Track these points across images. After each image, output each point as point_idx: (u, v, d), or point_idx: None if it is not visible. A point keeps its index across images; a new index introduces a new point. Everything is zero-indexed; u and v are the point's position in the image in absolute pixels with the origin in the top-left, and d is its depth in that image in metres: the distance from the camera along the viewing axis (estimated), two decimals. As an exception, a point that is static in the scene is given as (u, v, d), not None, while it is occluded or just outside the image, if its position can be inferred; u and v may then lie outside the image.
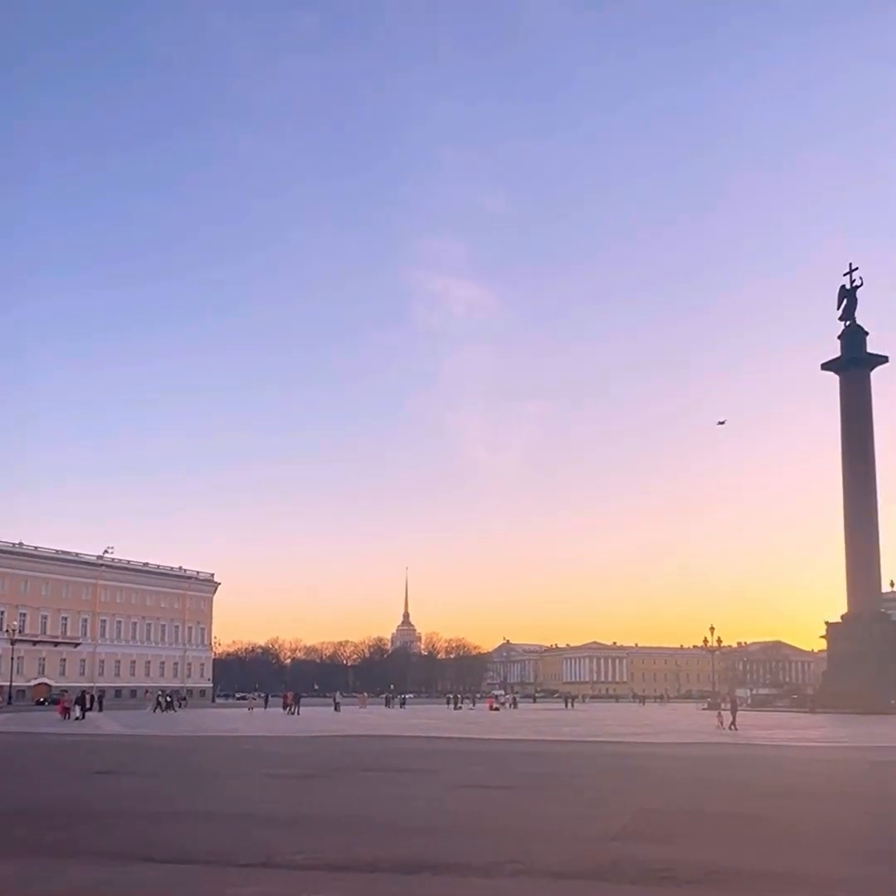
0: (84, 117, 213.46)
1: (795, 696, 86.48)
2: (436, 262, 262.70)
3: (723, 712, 44.96)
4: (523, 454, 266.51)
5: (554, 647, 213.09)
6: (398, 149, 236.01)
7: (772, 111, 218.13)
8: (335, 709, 68.96)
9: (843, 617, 78.86)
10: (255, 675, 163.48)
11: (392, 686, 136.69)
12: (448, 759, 24.38)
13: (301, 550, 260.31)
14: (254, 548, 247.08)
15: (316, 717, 55.86)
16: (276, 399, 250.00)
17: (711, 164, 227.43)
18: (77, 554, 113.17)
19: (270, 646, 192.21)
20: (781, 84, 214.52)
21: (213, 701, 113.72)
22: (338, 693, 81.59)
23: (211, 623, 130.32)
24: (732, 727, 40.49)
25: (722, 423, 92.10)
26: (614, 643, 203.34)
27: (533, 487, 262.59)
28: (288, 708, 65.02)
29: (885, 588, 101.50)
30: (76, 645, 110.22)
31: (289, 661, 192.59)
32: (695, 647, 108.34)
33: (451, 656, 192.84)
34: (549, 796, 16.20)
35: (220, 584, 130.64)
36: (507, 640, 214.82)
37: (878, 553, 78.68)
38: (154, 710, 64.91)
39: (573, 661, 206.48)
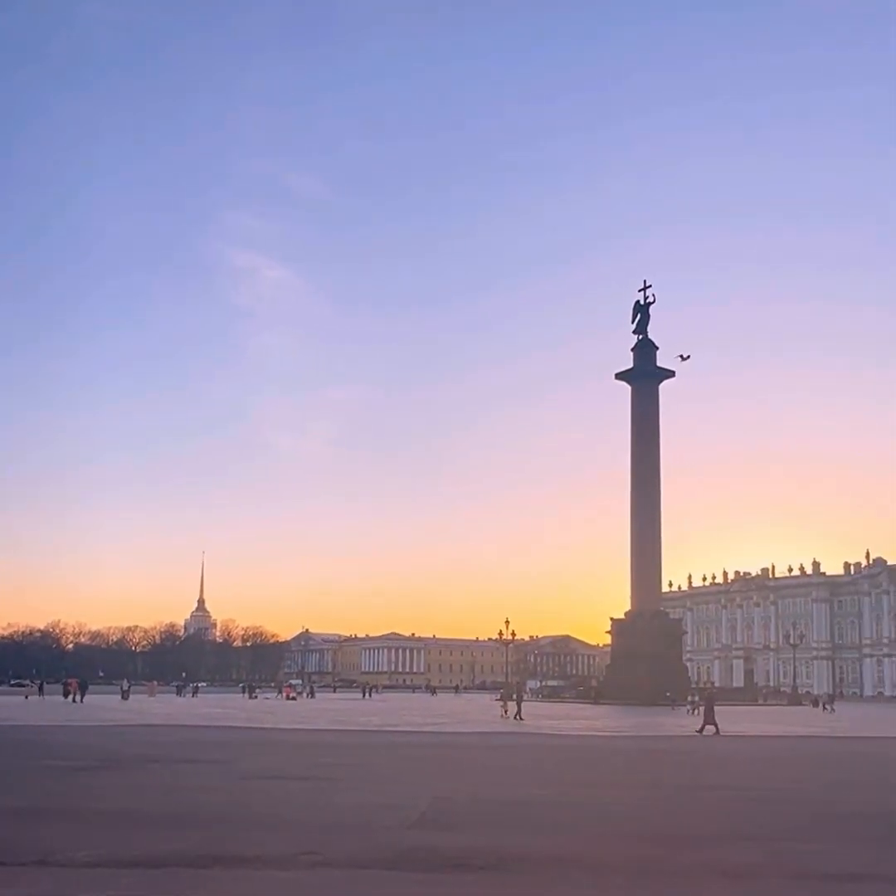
0: None
1: (581, 688, 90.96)
2: (245, 240, 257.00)
3: (508, 703, 46.36)
4: (327, 441, 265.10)
5: (353, 636, 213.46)
6: (209, 119, 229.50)
7: (574, 131, 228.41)
8: (123, 697, 65.84)
9: (626, 614, 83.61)
10: (33, 660, 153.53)
11: (184, 674, 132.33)
12: (241, 750, 23.81)
13: (87, 530, 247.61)
14: (33, 525, 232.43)
15: (101, 706, 53.12)
16: (72, 371, 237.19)
17: (524, 177, 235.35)
18: None
19: (50, 629, 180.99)
20: (583, 110, 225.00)
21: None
22: (125, 680, 77.77)
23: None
24: (518, 717, 41.89)
25: (685, 358, 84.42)
26: (413, 634, 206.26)
27: (335, 476, 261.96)
28: (70, 695, 61.52)
29: (665, 588, 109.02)
30: None
31: (71, 646, 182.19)
32: (490, 639, 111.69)
33: (248, 644, 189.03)
34: (344, 786, 16.12)
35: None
36: (306, 629, 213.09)
37: (659, 554, 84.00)
38: None
39: (372, 652, 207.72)
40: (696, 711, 50.95)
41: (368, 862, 9.36)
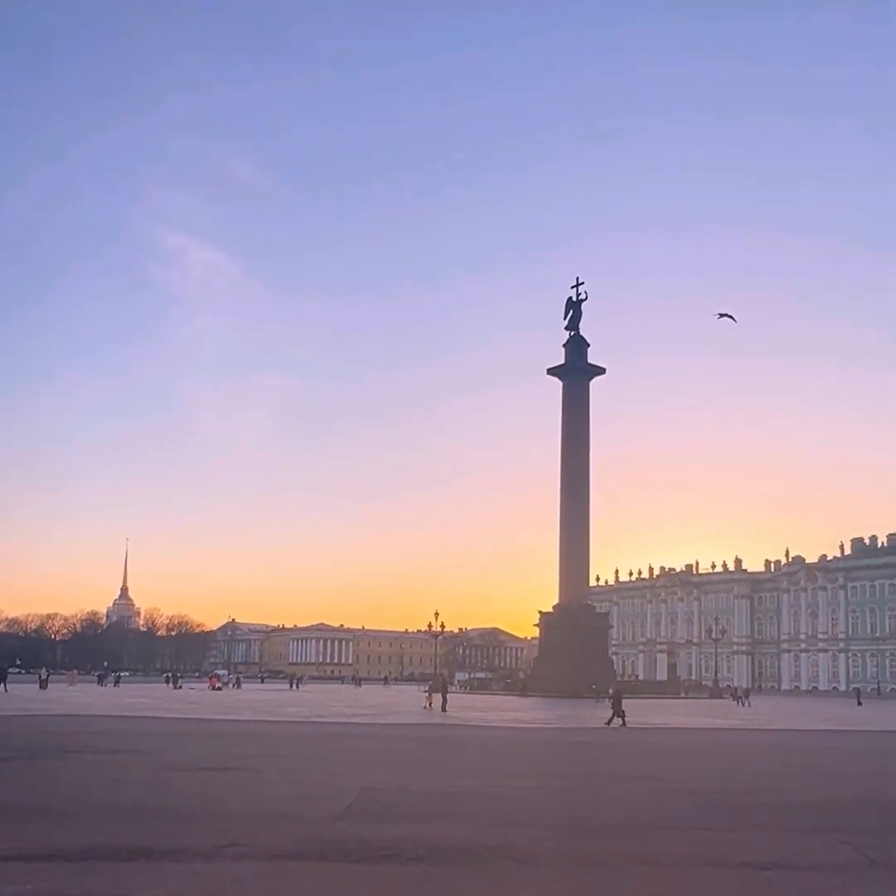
0: None
1: (509, 680, 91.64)
2: (177, 221, 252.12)
3: (433, 695, 46.67)
4: (257, 430, 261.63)
5: (281, 627, 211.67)
6: (144, 99, 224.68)
7: (514, 129, 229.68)
8: (41, 686, 64.14)
9: (554, 607, 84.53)
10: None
11: (106, 663, 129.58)
12: (164, 741, 23.39)
13: (5, 514, 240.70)
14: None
15: (19, 695, 51.65)
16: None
17: (463, 172, 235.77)
18: None
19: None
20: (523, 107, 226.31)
21: None
22: (44, 669, 75.74)
23: None
24: (443, 709, 42.06)
25: (725, 316, 74.54)
26: (341, 625, 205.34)
27: (265, 464, 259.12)
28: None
29: (593, 582, 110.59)
30: None
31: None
32: (419, 631, 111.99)
33: (173, 634, 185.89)
34: (271, 778, 15.94)
35: None
36: (233, 619, 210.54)
37: (587, 549, 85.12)
38: None
39: (300, 642, 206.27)
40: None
41: (295, 854, 9.27)
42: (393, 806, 12.80)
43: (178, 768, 16.70)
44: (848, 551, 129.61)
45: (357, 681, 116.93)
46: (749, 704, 62.04)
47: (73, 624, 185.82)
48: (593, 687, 60.58)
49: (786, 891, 8.39)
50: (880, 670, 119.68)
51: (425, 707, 44.41)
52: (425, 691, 52.94)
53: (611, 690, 55.92)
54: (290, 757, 19.67)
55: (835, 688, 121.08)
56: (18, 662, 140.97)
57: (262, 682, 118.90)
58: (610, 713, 33.20)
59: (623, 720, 32.78)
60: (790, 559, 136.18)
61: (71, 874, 8.11)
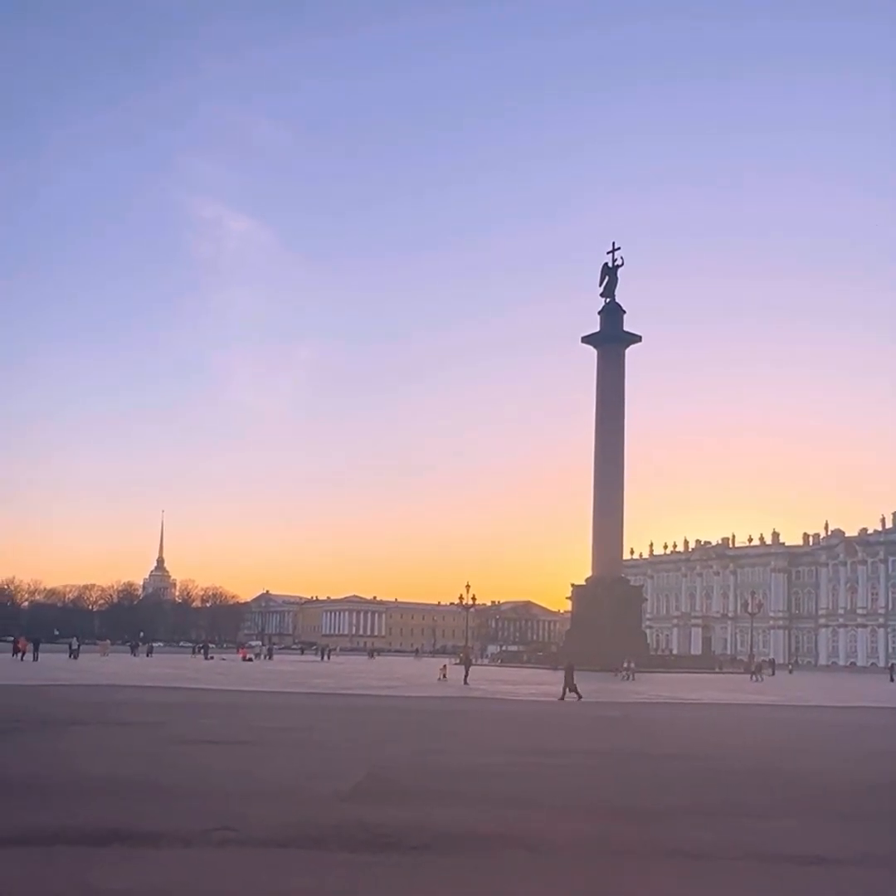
0: None
1: (541, 654, 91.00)
2: (210, 189, 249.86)
3: (449, 666, 46.48)
4: (292, 400, 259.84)
5: (314, 599, 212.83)
6: (173, 64, 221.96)
7: (551, 90, 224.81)
8: (72, 656, 64.58)
9: (587, 580, 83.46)
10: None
11: (142, 634, 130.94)
12: (179, 712, 22.85)
13: (45, 485, 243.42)
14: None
15: (48, 665, 51.87)
16: (29, 324, 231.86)
17: (499, 133, 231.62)
18: None
19: (5, 586, 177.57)
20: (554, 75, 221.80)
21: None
22: (75, 639, 76.18)
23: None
24: (465, 681, 41.58)
25: None
26: (374, 597, 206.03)
27: (299, 434, 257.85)
28: (19, 654, 60.05)
29: (627, 555, 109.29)
30: None
31: (26, 604, 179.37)
32: (452, 604, 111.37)
33: (207, 605, 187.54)
34: (281, 753, 15.25)
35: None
36: (267, 591, 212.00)
37: (621, 521, 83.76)
38: None
39: (333, 614, 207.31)
40: (631, 677, 51.84)
41: (287, 839, 8.50)
42: (403, 785, 12.02)
43: (185, 741, 16.03)
44: (889, 524, 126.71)
45: (371, 652, 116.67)
46: (761, 680, 59.78)
47: (110, 595, 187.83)
48: (625, 663, 59.60)
49: (829, 890, 7.44)
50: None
51: (440, 679, 44.11)
52: (457, 663, 52.62)
53: (625, 664, 55.13)
54: (304, 730, 19.00)
55: (873, 664, 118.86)
56: (56, 632, 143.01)
57: (302, 653, 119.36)
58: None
59: (577, 694, 31.83)
60: (829, 532, 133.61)
61: (31, 861, 7.37)
